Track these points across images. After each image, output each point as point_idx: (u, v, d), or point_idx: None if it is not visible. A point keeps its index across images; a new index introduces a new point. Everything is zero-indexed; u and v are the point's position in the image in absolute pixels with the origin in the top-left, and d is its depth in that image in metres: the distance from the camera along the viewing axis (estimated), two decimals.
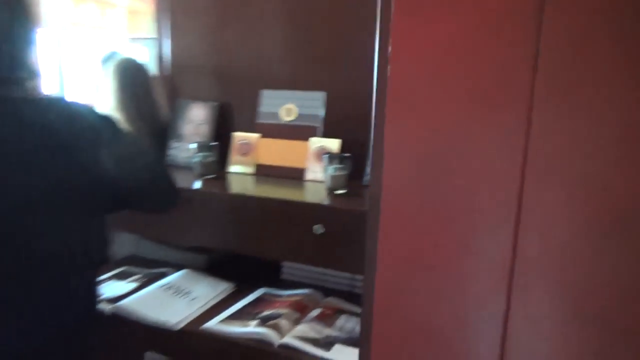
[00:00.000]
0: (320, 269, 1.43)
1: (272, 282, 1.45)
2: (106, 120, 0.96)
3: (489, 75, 0.60)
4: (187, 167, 1.49)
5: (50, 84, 0.88)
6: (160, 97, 1.59)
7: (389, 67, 0.65)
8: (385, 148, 0.68)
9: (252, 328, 1.17)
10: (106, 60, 1.48)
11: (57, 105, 0.87)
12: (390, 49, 0.64)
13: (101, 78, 1.47)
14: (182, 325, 1.20)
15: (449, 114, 0.63)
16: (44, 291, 0.85)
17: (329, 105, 1.40)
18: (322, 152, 1.34)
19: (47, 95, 0.87)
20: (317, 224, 1.12)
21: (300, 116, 1.41)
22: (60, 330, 0.89)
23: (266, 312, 1.25)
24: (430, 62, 0.63)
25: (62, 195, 0.85)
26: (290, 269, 1.49)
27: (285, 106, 1.43)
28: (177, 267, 1.51)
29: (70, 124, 0.86)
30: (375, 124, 0.68)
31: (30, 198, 0.81)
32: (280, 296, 1.36)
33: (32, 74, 0.81)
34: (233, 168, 1.47)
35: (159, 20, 1.66)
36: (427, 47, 0.62)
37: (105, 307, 1.25)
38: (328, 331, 1.18)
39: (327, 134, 1.38)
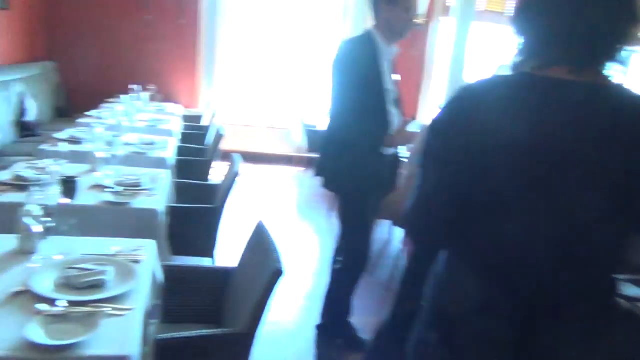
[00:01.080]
0: None
1: None
2: None
3: None
4: None
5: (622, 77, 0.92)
6: None
7: None
8: None
9: None
10: None
11: (625, 94, 0.88)
12: None
13: None
14: None
15: None
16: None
17: None
18: None
19: (616, 84, 0.88)
20: None
21: None
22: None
23: None
24: None
25: (612, 190, 0.85)
26: None
27: None
28: None
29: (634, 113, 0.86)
30: None
31: (585, 184, 0.85)
32: None
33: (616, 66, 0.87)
34: None
35: None
36: None
37: (621, 302, 1.29)
38: None
39: None
